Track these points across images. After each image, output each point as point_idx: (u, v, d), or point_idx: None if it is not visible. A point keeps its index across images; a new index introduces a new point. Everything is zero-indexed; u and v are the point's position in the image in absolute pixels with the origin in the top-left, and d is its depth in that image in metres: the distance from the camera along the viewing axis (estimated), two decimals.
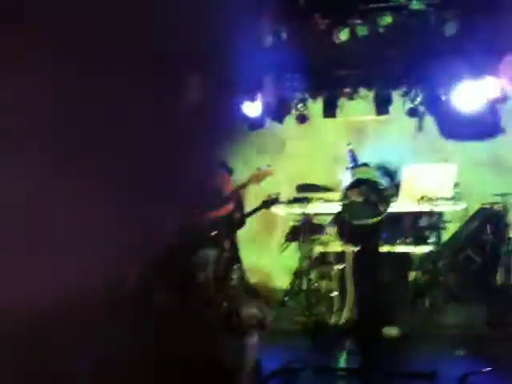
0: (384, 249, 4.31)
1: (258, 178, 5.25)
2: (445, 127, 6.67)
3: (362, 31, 4.40)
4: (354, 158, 3.74)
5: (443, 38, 4.41)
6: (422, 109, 6.55)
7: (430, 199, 4.63)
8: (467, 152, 6.38)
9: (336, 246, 5.10)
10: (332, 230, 5.10)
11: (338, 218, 4.61)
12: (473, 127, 6.01)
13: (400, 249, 4.58)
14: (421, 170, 4.83)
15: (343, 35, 4.40)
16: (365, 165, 3.73)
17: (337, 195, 5.14)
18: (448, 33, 4.32)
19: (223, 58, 5.39)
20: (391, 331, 4.28)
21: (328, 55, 5.06)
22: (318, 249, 5.61)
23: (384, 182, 3.25)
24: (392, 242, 4.44)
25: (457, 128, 6.28)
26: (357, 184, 3.23)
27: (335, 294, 5.25)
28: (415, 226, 4.72)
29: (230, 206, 5.51)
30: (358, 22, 4.38)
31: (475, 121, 5.84)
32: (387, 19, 4.31)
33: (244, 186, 5.29)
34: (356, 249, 4.07)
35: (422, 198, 4.65)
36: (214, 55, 5.38)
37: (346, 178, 3.34)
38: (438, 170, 4.89)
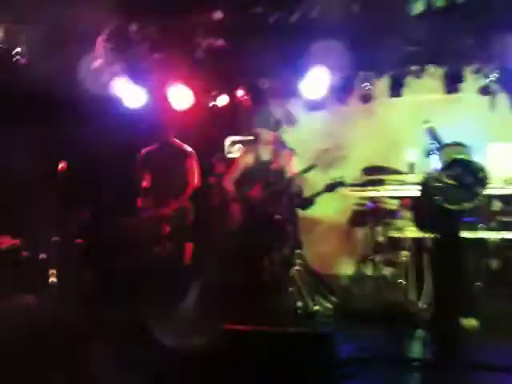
0: (465, 235, 4.04)
1: (325, 160, 5.06)
2: None
3: (440, 2, 4.09)
4: (435, 137, 3.48)
5: None
6: (495, 86, 6.22)
7: None
8: None
9: (411, 232, 4.86)
10: (407, 215, 4.87)
11: (416, 202, 4.37)
12: None
13: (481, 235, 4.30)
14: (506, 149, 4.52)
15: (419, 6, 4.11)
16: (458, 144, 3.46)
17: (413, 177, 4.90)
18: None
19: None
20: (470, 322, 4.04)
21: (398, 29, 4.77)
22: (384, 234, 5.38)
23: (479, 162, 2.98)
24: (473, 228, 4.18)
25: None
26: (451, 165, 2.96)
27: (403, 281, 5.05)
28: (500, 209, 4.42)
29: (295, 188, 5.34)
30: None
31: None
32: None
33: (311, 168, 5.11)
34: (435, 235, 3.82)
35: (509, 179, 4.36)
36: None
37: (435, 159, 3.09)
38: None
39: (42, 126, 5.14)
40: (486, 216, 4.25)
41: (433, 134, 3.55)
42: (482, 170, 2.97)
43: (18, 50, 4.79)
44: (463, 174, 2.96)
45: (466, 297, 3.92)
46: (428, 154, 3.48)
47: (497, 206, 4.45)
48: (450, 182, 3.01)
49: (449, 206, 3.06)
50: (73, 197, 4.83)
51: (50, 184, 4.19)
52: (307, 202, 5.89)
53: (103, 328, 4.23)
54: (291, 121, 5.90)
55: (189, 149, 5.71)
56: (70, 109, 5.26)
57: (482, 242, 4.45)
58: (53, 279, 4.33)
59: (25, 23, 4.57)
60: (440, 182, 3.00)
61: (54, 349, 3.69)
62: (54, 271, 4.39)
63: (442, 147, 3.23)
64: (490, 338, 4.19)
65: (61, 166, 4.65)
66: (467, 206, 3.03)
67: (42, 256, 4.75)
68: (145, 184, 5.47)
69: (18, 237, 5.12)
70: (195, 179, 5.66)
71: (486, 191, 3.01)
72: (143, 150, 5.71)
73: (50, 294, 4.19)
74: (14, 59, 4.78)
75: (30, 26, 4.67)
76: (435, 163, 3.18)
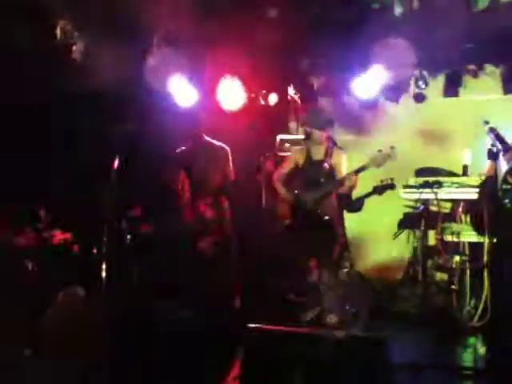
0: None
1: (378, 160, 4.95)
2: None
3: None
4: (499, 138, 3.33)
5: None
6: None
7: None
8: None
9: (467, 236, 4.70)
10: (465, 218, 4.71)
11: (475, 205, 4.22)
12: None
13: None
14: None
15: (484, 1, 3.95)
16: None
17: (472, 179, 4.74)
18: None
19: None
20: None
21: (458, 26, 4.61)
22: (437, 238, 5.22)
23: None
24: None
25: None
26: None
27: (455, 287, 4.89)
28: None
29: (346, 189, 5.25)
30: None
31: None
32: None
33: (363, 168, 5.01)
34: (495, 239, 3.67)
35: None
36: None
37: (503, 160, 2.95)
38: None
39: (97, 122, 5.21)
40: None
41: (496, 135, 3.40)
42: None
43: (76, 47, 4.88)
44: None
45: None
46: (491, 155, 3.34)
47: None
48: None
49: None
50: (125, 193, 4.87)
51: (104, 179, 4.23)
52: (357, 204, 5.80)
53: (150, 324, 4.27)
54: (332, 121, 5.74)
55: (223, 145, 5.65)
56: (125, 106, 5.31)
57: None
58: (104, 274, 4.36)
59: (82, 21, 4.64)
60: (508, 184, 2.85)
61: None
62: (106, 266, 4.42)
63: (508, 148, 3.08)
64: None
65: (115, 161, 4.68)
66: None
67: (94, 251, 4.80)
68: (180, 183, 5.50)
69: (70, 231, 5.20)
70: (231, 175, 5.59)
71: None
72: (178, 150, 5.68)
73: (101, 288, 4.22)
74: (72, 56, 4.87)
75: (87, 24, 4.73)
76: (500, 165, 3.04)
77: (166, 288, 4.98)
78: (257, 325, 3.22)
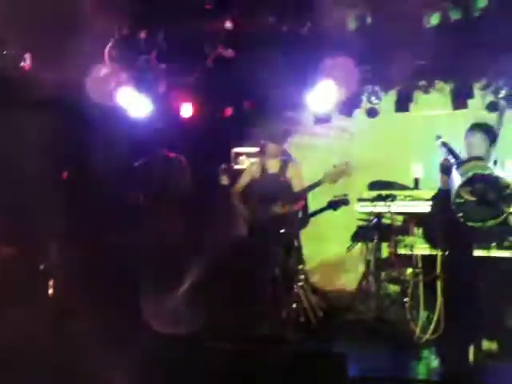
0: (478, 253, 3.95)
1: (333, 176, 4.97)
2: None
3: (456, 15, 4.03)
4: (452, 152, 3.39)
5: None
6: (503, 103, 6.17)
7: None
8: None
9: (420, 249, 4.76)
10: (418, 231, 4.78)
11: (428, 218, 4.28)
12: None
13: (495, 254, 4.21)
14: None
15: (435, 19, 4.05)
16: (478, 158, 3.37)
17: (424, 193, 4.81)
18: None
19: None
20: (489, 345, 3.95)
21: (410, 43, 4.71)
22: (390, 250, 5.27)
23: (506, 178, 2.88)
24: (487, 246, 4.09)
25: None
26: (472, 180, 2.86)
27: (408, 299, 4.94)
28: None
29: (302, 203, 5.26)
30: (451, 4, 4.02)
31: None
32: (483, 1, 3.94)
33: (318, 184, 5.02)
34: (447, 252, 3.73)
35: None
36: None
37: (456, 174, 2.99)
38: None
39: (47, 132, 5.05)
40: (499, 234, 4.16)
41: (449, 149, 3.46)
42: (507, 186, 2.87)
43: (25, 55, 4.73)
44: (487, 190, 2.86)
45: (483, 318, 3.81)
46: (444, 169, 3.39)
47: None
48: (471, 198, 2.91)
49: (472, 224, 2.96)
50: (75, 205, 4.73)
51: (53, 191, 4.10)
52: (309, 219, 5.81)
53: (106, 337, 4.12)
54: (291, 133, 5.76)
55: (181, 158, 5.58)
56: (77, 115, 5.18)
57: (495, 260, 4.35)
58: (52, 289, 4.21)
59: (31, 29, 4.50)
60: (461, 198, 2.89)
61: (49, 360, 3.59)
62: (54, 281, 4.26)
63: (461, 162, 3.13)
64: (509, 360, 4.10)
65: (65, 173, 4.56)
66: (491, 223, 2.93)
67: (42, 265, 4.64)
68: (139, 196, 5.39)
69: (17, 245, 5.01)
70: (188, 188, 5.51)
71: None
72: (136, 163, 5.58)
73: (49, 303, 4.07)
74: (21, 64, 4.72)
75: (37, 32, 4.59)
76: (453, 179, 3.09)
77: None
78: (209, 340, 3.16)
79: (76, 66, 4.74)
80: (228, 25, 4.63)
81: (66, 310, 4.16)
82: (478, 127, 4.10)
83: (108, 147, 5.32)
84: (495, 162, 3.66)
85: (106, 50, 5.09)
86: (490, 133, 4.07)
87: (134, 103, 5.80)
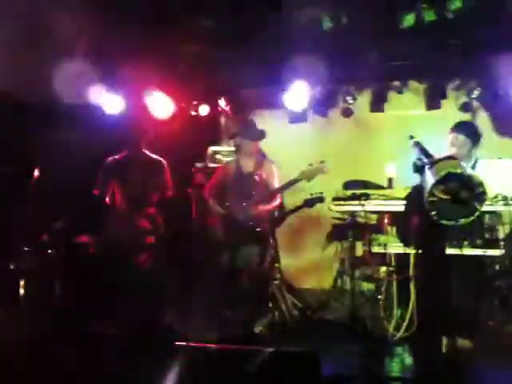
0: (450, 251, 4.00)
1: (309, 174, 4.99)
2: (500, 124, 6.35)
3: (430, 16, 4.08)
4: (424, 152, 3.43)
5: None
6: (476, 104, 6.27)
7: (505, 198, 4.32)
8: None
9: (394, 248, 4.81)
10: (391, 230, 4.82)
11: (401, 217, 4.32)
12: None
13: (467, 252, 4.27)
14: (495, 165, 4.51)
15: (410, 20, 4.09)
16: (451, 158, 3.41)
17: (398, 192, 4.85)
18: None
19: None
20: (463, 343, 4.00)
21: (384, 43, 4.76)
22: (364, 249, 5.32)
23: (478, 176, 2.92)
24: (458, 245, 4.15)
25: None
26: (446, 179, 2.90)
27: (382, 297, 4.98)
28: (482, 227, 4.41)
29: (278, 202, 5.27)
30: (425, 6, 4.07)
31: None
32: (457, 3, 3.99)
33: (294, 182, 5.03)
34: (420, 251, 3.77)
35: (496, 196, 4.34)
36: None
37: (429, 173, 3.02)
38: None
39: (16, 132, 4.95)
40: (472, 233, 4.23)
41: (421, 149, 3.49)
42: (480, 184, 2.91)
43: None
44: (460, 189, 2.90)
45: (456, 315, 3.86)
46: (417, 168, 3.42)
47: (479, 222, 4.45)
48: (445, 196, 2.94)
49: (445, 222, 2.99)
50: (46, 205, 4.64)
51: (23, 192, 4.01)
52: (284, 217, 5.83)
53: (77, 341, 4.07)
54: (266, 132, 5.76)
55: (160, 158, 5.48)
56: (46, 115, 5.09)
57: (467, 259, 4.41)
58: (23, 291, 4.13)
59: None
60: (435, 196, 2.93)
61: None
62: (24, 283, 4.18)
63: (435, 161, 3.17)
64: (482, 358, 4.16)
65: (34, 173, 4.46)
66: (464, 221, 2.97)
67: (12, 266, 4.54)
68: (113, 193, 5.29)
69: None
70: (168, 190, 5.41)
71: (483, 207, 2.96)
72: (109, 159, 5.44)
73: (20, 306, 3.99)
74: None
75: (8, 28, 4.50)
76: (426, 178, 3.12)
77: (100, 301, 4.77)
78: (185, 342, 3.13)
79: (47, 63, 4.66)
80: (203, 24, 4.61)
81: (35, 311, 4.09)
82: (462, 126, 4.16)
83: (80, 146, 5.23)
84: (473, 166, 3.74)
85: (79, 46, 5.02)
86: (473, 133, 4.14)
87: (107, 101, 5.74)
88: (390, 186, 5.60)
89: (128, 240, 4.99)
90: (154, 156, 5.43)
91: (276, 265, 5.39)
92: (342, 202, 5.13)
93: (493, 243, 4.32)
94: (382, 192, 5.02)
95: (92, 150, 5.50)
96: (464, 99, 6.12)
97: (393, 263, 4.83)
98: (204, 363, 3.02)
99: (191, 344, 3.08)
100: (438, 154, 4.04)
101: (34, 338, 3.71)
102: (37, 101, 5.04)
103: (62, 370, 3.49)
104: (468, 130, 4.14)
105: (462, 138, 4.12)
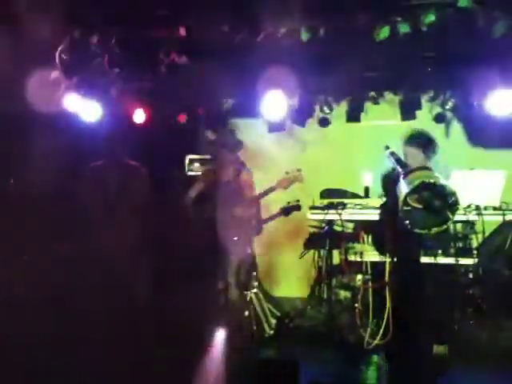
0: (425, 260, 4.08)
1: (286, 183, 5.03)
2: (474, 135, 6.50)
3: (404, 28, 4.16)
4: (399, 162, 3.49)
5: (487, 40, 4.18)
6: (449, 115, 6.40)
7: (478, 208, 4.42)
8: (494, 160, 6.16)
9: (370, 256, 4.87)
10: (367, 239, 4.88)
11: (376, 226, 4.38)
12: (504, 136, 5.81)
13: (441, 260, 4.35)
14: (467, 176, 4.61)
15: (385, 32, 4.17)
16: (425, 168, 3.47)
17: (374, 201, 4.93)
18: (496, 34, 4.08)
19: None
20: (439, 349, 4.07)
21: (359, 55, 4.83)
22: (341, 257, 5.37)
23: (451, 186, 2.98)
24: (433, 253, 4.23)
25: (486, 136, 6.09)
26: (419, 189, 2.95)
27: (358, 305, 5.04)
28: (456, 235, 4.50)
29: (254, 210, 5.29)
30: (400, 19, 4.15)
31: (507, 129, 5.59)
32: (431, 16, 4.09)
33: (271, 190, 5.07)
34: (395, 259, 3.83)
35: (469, 206, 4.44)
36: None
37: (403, 183, 3.08)
38: (486, 177, 4.67)
39: None
40: (444, 241, 4.31)
41: (396, 159, 3.56)
42: (453, 194, 2.97)
43: None
44: (432, 198, 2.96)
45: (431, 323, 3.92)
46: (391, 178, 3.49)
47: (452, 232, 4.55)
48: (418, 205, 3.00)
49: (418, 231, 3.05)
50: (22, 213, 4.59)
51: None
52: (262, 225, 5.85)
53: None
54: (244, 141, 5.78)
55: (138, 165, 5.47)
56: (21, 123, 5.03)
57: (441, 267, 4.50)
58: None
59: None
60: (408, 205, 2.98)
61: None
62: None
63: (409, 171, 3.23)
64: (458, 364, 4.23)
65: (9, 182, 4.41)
66: (437, 230, 3.03)
67: None
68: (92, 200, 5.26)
69: None
70: (146, 196, 5.39)
71: (456, 216, 3.02)
72: (91, 165, 5.42)
73: None
74: None
75: None
76: (400, 187, 3.17)
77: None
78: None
79: (23, 71, 4.62)
80: (182, 32, 4.62)
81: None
82: (411, 139, 4.19)
83: (55, 154, 5.17)
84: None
85: (56, 54, 4.98)
86: (425, 143, 4.15)
87: (84, 109, 5.70)
88: (366, 195, 5.69)
89: (107, 246, 4.95)
90: (133, 163, 5.43)
91: (253, 273, 5.42)
92: (318, 211, 5.19)
93: (466, 252, 4.42)
94: (358, 201, 5.09)
95: (68, 157, 5.47)
96: (438, 110, 6.27)
97: (369, 271, 4.90)
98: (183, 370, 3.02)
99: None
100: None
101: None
102: (11, 110, 4.98)
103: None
104: (417, 142, 4.14)
105: (412, 150, 4.13)
